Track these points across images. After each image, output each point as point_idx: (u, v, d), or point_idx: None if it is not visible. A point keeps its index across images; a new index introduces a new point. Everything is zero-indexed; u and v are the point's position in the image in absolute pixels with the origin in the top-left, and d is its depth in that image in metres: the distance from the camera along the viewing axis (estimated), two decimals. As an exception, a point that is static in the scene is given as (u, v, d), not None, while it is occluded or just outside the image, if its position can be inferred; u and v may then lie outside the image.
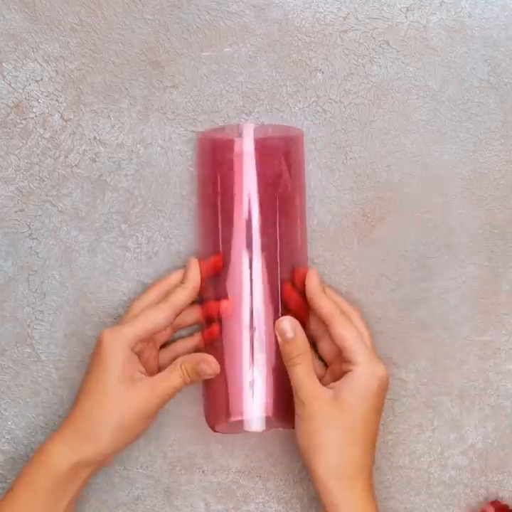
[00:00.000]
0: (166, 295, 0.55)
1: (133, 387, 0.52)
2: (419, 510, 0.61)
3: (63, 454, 0.52)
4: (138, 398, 0.52)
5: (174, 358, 0.56)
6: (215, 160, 0.56)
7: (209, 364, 0.53)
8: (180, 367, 0.53)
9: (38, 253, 0.60)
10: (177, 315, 0.55)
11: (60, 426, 0.54)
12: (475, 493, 0.61)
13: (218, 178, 0.56)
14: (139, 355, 0.55)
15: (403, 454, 0.61)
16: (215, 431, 0.56)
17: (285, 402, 0.55)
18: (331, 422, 0.52)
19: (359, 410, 0.52)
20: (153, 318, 0.54)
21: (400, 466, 0.61)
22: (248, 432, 0.56)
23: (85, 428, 0.52)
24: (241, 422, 0.55)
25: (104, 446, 0.52)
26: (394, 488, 0.61)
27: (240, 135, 0.56)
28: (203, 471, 0.61)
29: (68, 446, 0.52)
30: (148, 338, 0.55)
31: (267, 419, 0.54)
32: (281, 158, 0.56)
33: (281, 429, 0.56)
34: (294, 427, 0.54)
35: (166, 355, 0.58)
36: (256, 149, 0.55)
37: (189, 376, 0.53)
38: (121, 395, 0.52)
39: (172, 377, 0.53)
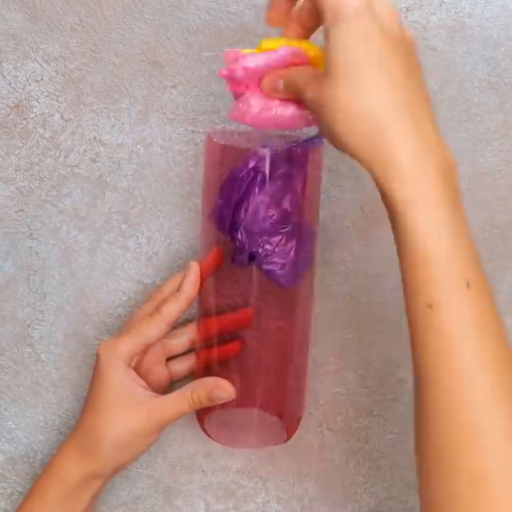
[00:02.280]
0: (160, 305, 0.54)
1: (133, 407, 0.52)
2: (419, 510, 0.61)
3: (72, 467, 0.52)
4: (137, 419, 0.51)
5: (187, 370, 0.57)
6: (224, 165, 0.53)
7: (225, 390, 0.51)
8: (192, 394, 0.52)
9: (38, 253, 0.60)
10: (171, 326, 0.54)
11: (67, 438, 0.54)
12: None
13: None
14: (142, 367, 0.55)
15: (403, 454, 0.61)
16: (205, 431, 0.55)
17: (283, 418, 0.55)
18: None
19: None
20: (146, 332, 0.53)
21: (400, 466, 0.61)
22: (237, 446, 0.56)
23: (87, 444, 0.52)
24: (230, 421, 0.54)
25: (106, 461, 0.52)
26: (394, 488, 0.61)
27: (257, 155, 0.51)
28: (203, 471, 0.61)
29: (75, 460, 0.52)
30: (143, 351, 0.55)
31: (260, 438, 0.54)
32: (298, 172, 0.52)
33: (271, 446, 0.56)
34: (283, 442, 0.55)
35: (178, 366, 0.58)
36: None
37: (201, 402, 0.52)
38: (120, 414, 0.51)
39: (179, 404, 0.52)
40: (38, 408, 0.60)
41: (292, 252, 0.51)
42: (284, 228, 0.51)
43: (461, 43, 0.59)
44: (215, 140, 0.52)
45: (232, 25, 0.59)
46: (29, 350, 0.60)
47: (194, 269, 0.54)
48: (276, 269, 0.51)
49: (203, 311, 0.55)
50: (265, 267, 0.51)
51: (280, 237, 0.51)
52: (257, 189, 0.50)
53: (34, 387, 0.60)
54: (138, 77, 0.59)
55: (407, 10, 0.59)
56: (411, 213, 0.39)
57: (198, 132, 0.59)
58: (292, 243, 0.51)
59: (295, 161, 0.51)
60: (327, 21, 0.40)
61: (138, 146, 0.59)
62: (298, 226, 0.52)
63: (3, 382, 0.60)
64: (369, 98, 0.40)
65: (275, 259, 0.51)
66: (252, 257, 0.51)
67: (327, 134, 0.42)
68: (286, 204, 0.51)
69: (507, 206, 0.60)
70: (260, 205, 0.50)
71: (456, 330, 0.39)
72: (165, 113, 0.59)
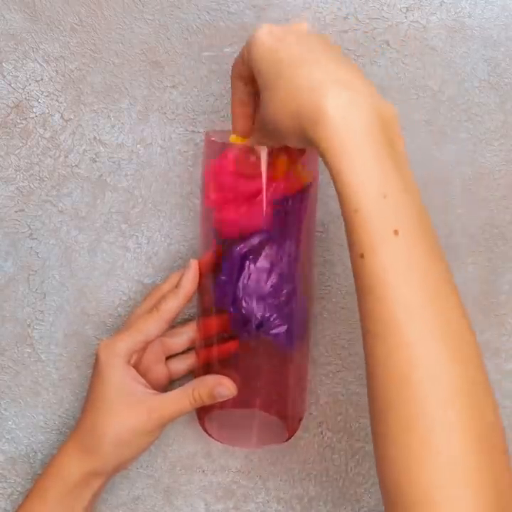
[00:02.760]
0: (158, 302, 0.54)
1: (133, 405, 0.52)
2: (419, 510, 0.61)
3: (73, 465, 0.52)
4: (137, 417, 0.51)
5: (186, 369, 0.57)
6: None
7: (227, 387, 0.52)
8: (193, 392, 0.52)
9: (38, 253, 0.60)
10: (170, 323, 0.54)
11: (67, 438, 0.54)
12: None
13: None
14: (141, 365, 0.55)
15: (403, 454, 0.61)
16: (206, 431, 0.55)
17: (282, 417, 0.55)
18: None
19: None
20: (144, 329, 0.53)
21: (400, 466, 0.61)
22: (238, 445, 0.56)
23: (87, 442, 0.52)
24: (230, 423, 0.54)
25: (107, 459, 0.52)
26: (394, 488, 0.61)
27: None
28: (203, 471, 0.61)
29: (76, 459, 0.52)
30: (142, 349, 0.55)
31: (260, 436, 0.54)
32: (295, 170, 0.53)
33: (272, 445, 0.56)
34: (284, 442, 0.55)
35: (178, 364, 0.58)
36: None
37: (202, 400, 0.52)
38: (121, 412, 0.51)
39: (180, 402, 0.52)
40: (38, 408, 0.60)
41: (294, 311, 0.53)
42: (286, 288, 0.52)
43: (461, 43, 0.59)
44: (213, 139, 0.52)
45: (232, 25, 0.59)
46: (29, 350, 0.60)
47: (193, 266, 0.54)
48: (282, 331, 0.52)
49: (203, 310, 0.55)
50: (272, 331, 0.52)
51: (283, 298, 0.52)
52: (254, 261, 0.51)
53: (34, 387, 0.60)
54: (138, 77, 0.59)
55: (407, 10, 0.59)
56: (339, 165, 0.39)
57: (198, 132, 0.59)
58: (294, 302, 0.53)
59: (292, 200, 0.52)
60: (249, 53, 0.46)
61: (138, 146, 0.59)
62: (296, 282, 0.53)
63: (3, 382, 0.60)
64: (285, 91, 0.42)
65: (280, 322, 0.52)
66: (259, 325, 0.52)
67: (282, 139, 0.45)
68: (285, 263, 0.52)
69: (507, 206, 0.60)
70: (261, 271, 0.51)
71: (387, 279, 0.39)
72: (165, 113, 0.59)
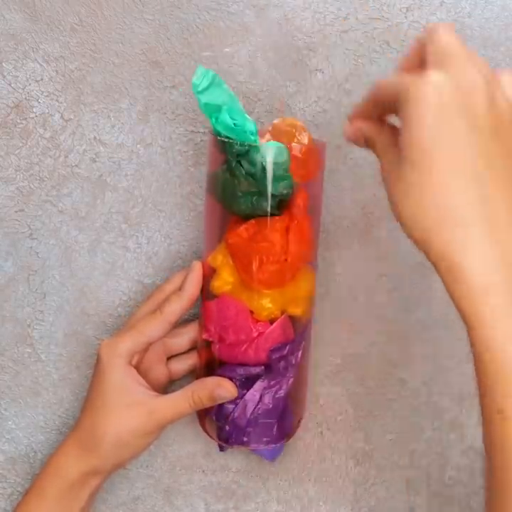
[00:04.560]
0: (162, 303, 0.54)
1: (134, 407, 0.52)
2: (419, 510, 0.61)
3: (71, 465, 0.52)
4: (137, 418, 0.51)
5: (187, 369, 0.57)
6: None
7: (227, 389, 0.52)
8: (192, 395, 0.52)
9: (38, 253, 0.60)
10: (173, 325, 0.54)
11: (66, 437, 0.54)
12: (475, 493, 0.61)
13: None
14: (142, 365, 0.55)
15: (403, 454, 0.61)
16: (206, 431, 0.56)
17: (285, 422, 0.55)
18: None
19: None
20: (147, 331, 0.53)
21: (400, 466, 0.61)
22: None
23: (87, 441, 0.52)
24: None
25: (105, 458, 0.52)
26: (394, 488, 0.61)
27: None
28: (203, 471, 0.61)
29: (74, 458, 0.52)
30: (144, 350, 0.55)
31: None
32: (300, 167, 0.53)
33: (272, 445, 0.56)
34: (284, 442, 0.55)
35: (179, 365, 0.58)
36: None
37: (202, 403, 0.52)
38: (121, 413, 0.52)
39: (180, 405, 0.52)
40: (38, 408, 0.60)
41: (275, 431, 0.54)
42: (268, 419, 0.53)
43: (461, 43, 0.59)
44: (218, 137, 0.52)
45: (232, 25, 0.59)
46: (29, 350, 0.60)
47: (196, 269, 0.54)
48: (261, 446, 0.54)
49: None
50: (252, 445, 0.53)
51: (263, 428, 0.53)
52: (248, 388, 0.53)
53: (34, 387, 0.60)
54: (138, 77, 0.59)
55: (407, 10, 0.59)
56: (477, 322, 0.38)
57: (198, 132, 0.59)
58: (274, 428, 0.54)
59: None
60: (401, 101, 0.37)
61: (138, 146, 0.59)
62: (279, 414, 0.54)
63: (3, 382, 0.60)
64: (438, 192, 0.37)
65: (261, 439, 0.53)
66: (237, 442, 0.54)
67: (393, 212, 0.41)
68: (271, 399, 0.53)
69: (507, 206, 0.60)
70: (249, 402, 0.52)
71: None
72: (165, 113, 0.59)
